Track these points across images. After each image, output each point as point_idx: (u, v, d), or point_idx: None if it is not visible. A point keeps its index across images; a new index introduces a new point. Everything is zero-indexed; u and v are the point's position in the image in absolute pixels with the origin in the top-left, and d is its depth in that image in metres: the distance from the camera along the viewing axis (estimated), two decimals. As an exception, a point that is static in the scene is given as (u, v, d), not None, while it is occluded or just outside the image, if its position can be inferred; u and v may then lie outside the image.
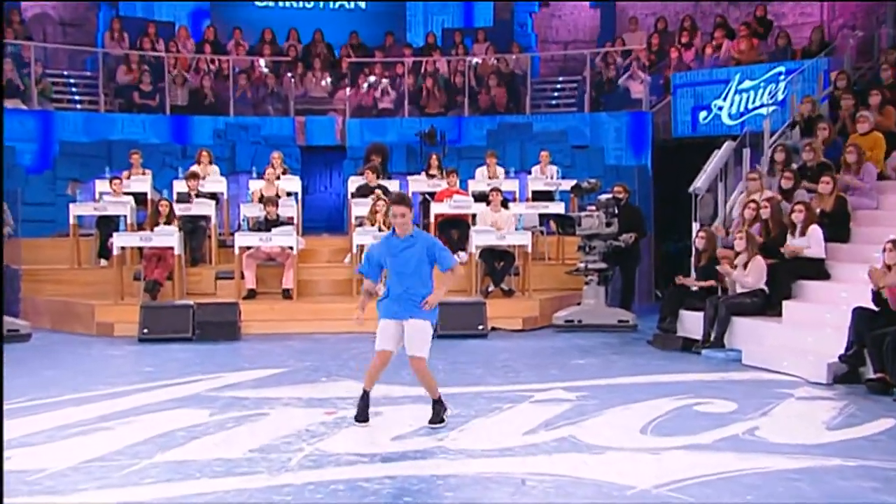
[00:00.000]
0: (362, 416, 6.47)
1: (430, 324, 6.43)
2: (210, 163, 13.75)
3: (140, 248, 11.71)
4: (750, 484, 5.21)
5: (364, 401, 6.51)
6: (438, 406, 6.53)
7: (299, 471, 5.42)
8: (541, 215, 13.13)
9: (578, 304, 11.32)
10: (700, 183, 11.14)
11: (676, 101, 14.97)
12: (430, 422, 6.46)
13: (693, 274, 10.44)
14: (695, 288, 10.12)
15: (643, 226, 12.06)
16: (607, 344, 10.14)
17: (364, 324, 6.44)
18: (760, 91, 13.85)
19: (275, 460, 5.61)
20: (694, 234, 10.65)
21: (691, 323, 9.90)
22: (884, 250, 8.08)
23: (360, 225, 11.98)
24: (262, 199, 12.29)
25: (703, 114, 14.59)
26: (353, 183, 13.36)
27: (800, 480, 5.29)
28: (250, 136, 15.92)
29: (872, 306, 7.93)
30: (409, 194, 13.15)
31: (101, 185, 13.02)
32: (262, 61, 17.25)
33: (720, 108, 14.38)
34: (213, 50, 17.34)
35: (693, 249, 10.60)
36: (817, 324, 8.75)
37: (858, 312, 7.95)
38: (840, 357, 7.94)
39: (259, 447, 5.90)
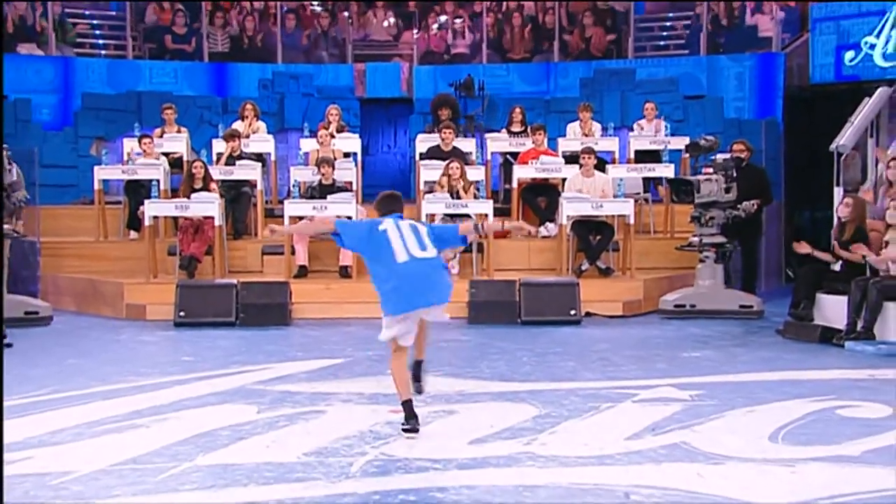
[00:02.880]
0: (413, 425, 6.27)
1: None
2: (255, 118, 13.91)
3: (175, 219, 11.94)
4: (909, 506, 5.08)
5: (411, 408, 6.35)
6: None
7: (362, 478, 5.46)
8: (645, 179, 12.99)
9: (691, 285, 11.21)
10: (844, 139, 10.85)
11: (815, 40, 14.56)
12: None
13: (834, 249, 10.19)
14: (837, 266, 9.88)
15: (768, 191, 11.87)
16: (727, 333, 10.02)
17: None
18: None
19: (333, 465, 5.66)
20: (836, 202, 10.39)
21: (832, 309, 9.69)
22: None
23: (430, 191, 12.01)
24: (315, 161, 12.40)
25: (849, 54, 14.15)
26: (423, 142, 13.38)
27: (971, 501, 5.13)
28: (301, 87, 16.08)
29: None
30: (489, 155, 13.40)
31: (130, 145, 13.31)
32: (314, -1, 17.39)
33: (872, 47, 13.92)
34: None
35: (835, 220, 10.34)
36: None
37: None
38: None
39: (315, 450, 5.95)
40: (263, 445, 6.07)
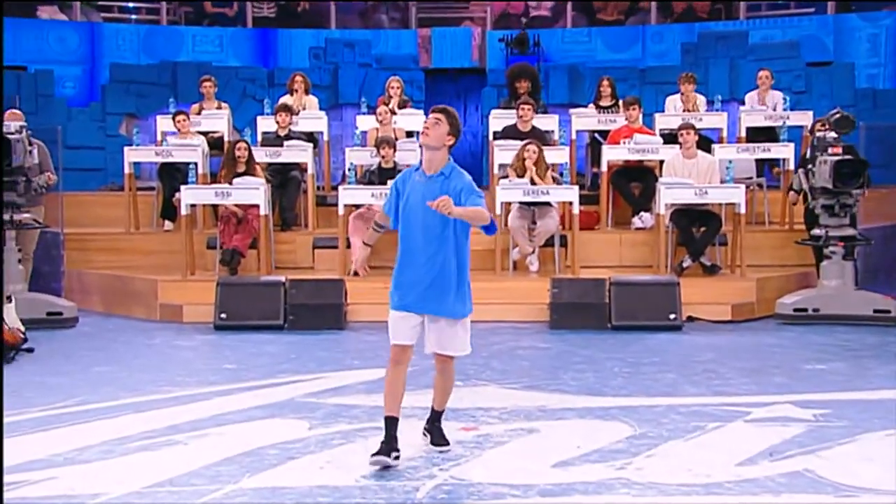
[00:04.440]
0: (385, 450, 6.08)
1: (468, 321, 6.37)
2: (306, 92, 14.04)
3: (215, 207, 12.08)
4: None
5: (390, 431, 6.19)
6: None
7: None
8: (759, 162, 12.86)
9: (814, 286, 11.14)
10: None
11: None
12: (435, 443, 6.46)
13: None
14: None
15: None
16: (858, 342, 9.93)
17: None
18: None
19: (397, 490, 5.70)
20: None
21: None
22: None
23: (505, 176, 12.00)
24: (374, 142, 12.46)
25: None
26: (497, 119, 13.38)
27: None
28: (358, 57, 16.21)
29: None
30: (574, 134, 13.36)
31: (164, 123, 13.50)
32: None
33: None
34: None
35: None
36: None
37: None
38: None
39: (375, 472, 6.00)
40: (317, 466, 6.13)
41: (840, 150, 10.89)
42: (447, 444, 6.42)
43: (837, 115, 11.40)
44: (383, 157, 12.05)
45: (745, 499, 5.62)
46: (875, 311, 10.81)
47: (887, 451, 6.45)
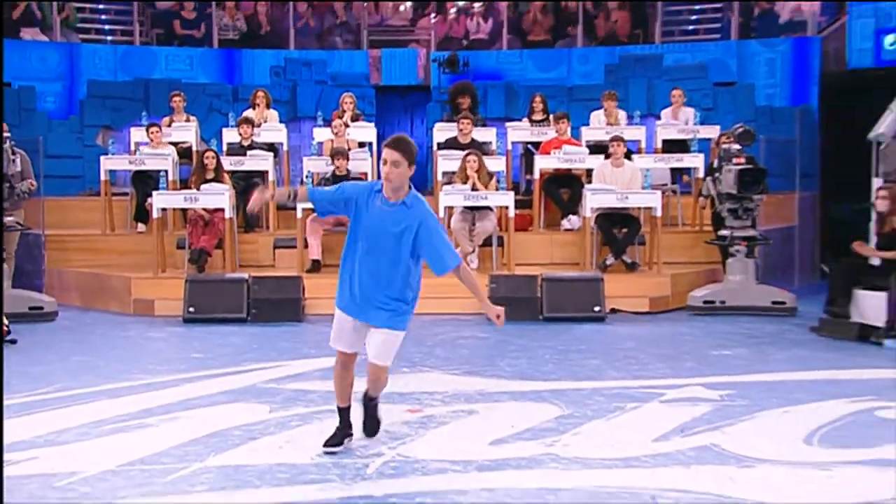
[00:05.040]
0: (336, 440, 5.93)
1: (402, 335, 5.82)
2: (267, 107, 13.96)
3: (184, 211, 11.98)
4: (952, 512, 5.05)
5: (343, 420, 6.01)
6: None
7: (378, 479, 5.47)
8: (673, 170, 12.97)
9: (721, 281, 11.23)
10: (883, 128, 10.78)
11: (853, 23, 14.49)
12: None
13: (873, 243, 10.15)
14: (876, 261, 9.83)
15: None
16: (759, 331, 10.02)
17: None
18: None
19: (348, 467, 5.68)
20: (874, 194, 10.33)
21: (870, 306, 9.62)
22: None
23: (449, 183, 12.01)
24: (329, 152, 12.42)
25: (889, 38, 14.08)
26: (440, 132, 13.38)
27: None
28: (315, 75, 16.12)
29: None
30: (509, 145, 13.39)
31: (138, 134, 13.37)
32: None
33: (913, 31, 13.90)
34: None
35: (873, 213, 10.30)
36: None
37: None
38: None
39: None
40: (276, 446, 6.09)
41: (743, 160, 11.03)
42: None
43: (740, 130, 11.56)
44: (337, 166, 12.03)
45: (659, 471, 5.65)
46: (773, 302, 10.95)
47: (782, 427, 6.54)
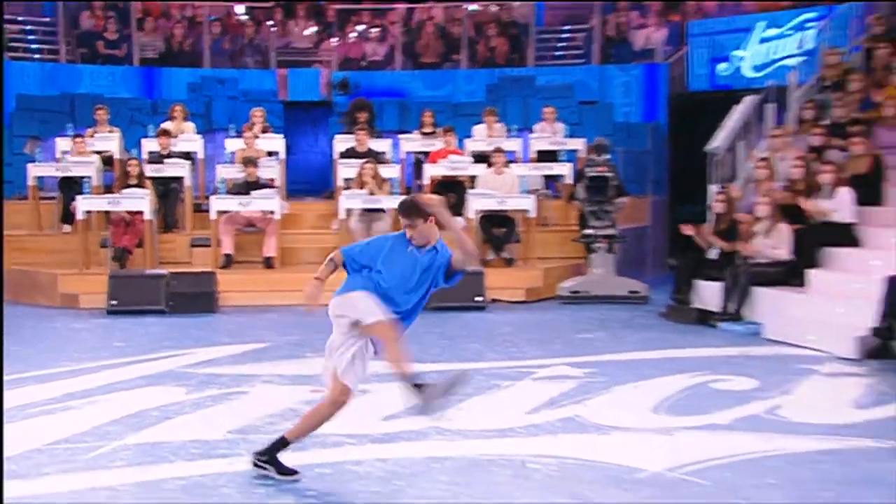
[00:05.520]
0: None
1: None
2: (184, 119, 13.67)
3: (107, 213, 11.67)
4: (771, 467, 5.23)
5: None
6: None
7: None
8: (545, 177, 13.11)
9: (586, 273, 11.36)
10: (718, 142, 11.13)
11: (692, 52, 14.89)
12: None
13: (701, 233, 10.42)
14: (713, 255, 10.11)
15: None
16: (616, 317, 10.17)
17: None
18: (786, 40, 13.76)
19: (256, 442, 5.60)
20: (712, 197, 10.64)
21: (708, 294, 9.92)
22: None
23: (348, 188, 11.95)
24: (241, 160, 12.25)
25: (722, 66, 14.51)
26: (341, 143, 13.29)
27: (825, 462, 5.32)
28: (227, 91, 15.84)
29: (907, 275, 7.95)
30: (402, 154, 13.37)
31: (63, 144, 12.95)
32: (239, 8, 17.11)
33: (741, 60, 14.29)
34: (184, -5, 17.25)
35: (712, 214, 10.58)
36: (846, 294, 8.76)
37: (892, 282, 7.96)
38: (871, 330, 7.97)
39: (239, 428, 5.91)
40: (190, 424, 6.00)
41: (604, 169, 11.21)
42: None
43: (597, 142, 11.81)
44: (248, 172, 11.88)
45: (531, 439, 5.74)
46: (629, 292, 11.12)
47: (634, 399, 6.70)
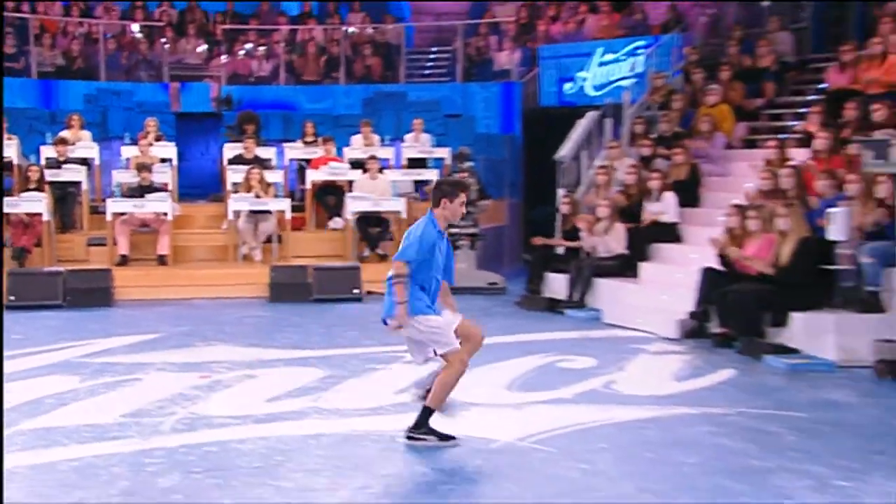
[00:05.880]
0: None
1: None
2: (81, 128, 13.14)
3: (6, 215, 11.09)
4: (604, 434, 5.42)
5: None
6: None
7: (171, 434, 5.31)
8: (415, 181, 13.16)
9: (451, 267, 11.46)
10: (564, 151, 11.39)
11: (543, 73, 15.20)
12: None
13: (559, 237, 10.66)
14: (561, 251, 10.36)
15: None
16: (478, 306, 10.17)
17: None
18: (621, 64, 14.21)
19: (146, 424, 5.47)
20: (559, 200, 10.89)
21: (556, 284, 10.15)
22: (727, 215, 8.48)
23: (236, 192, 11.72)
24: (135, 166, 11.86)
25: (568, 85, 14.87)
26: (230, 150, 13.04)
27: (648, 429, 5.54)
28: (123, 102, 15.26)
29: (719, 267, 8.33)
30: (287, 161, 13.20)
31: (-38, 150, 12.21)
32: (134, 26, 16.52)
33: (584, 80, 14.68)
34: (81, 13, 16.50)
35: (559, 215, 10.84)
36: (670, 283, 9.12)
37: (706, 272, 8.33)
38: (689, 314, 8.32)
39: (131, 412, 5.74)
40: (83, 410, 5.80)
41: (466, 175, 11.32)
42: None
43: (461, 151, 11.94)
44: (142, 178, 11.52)
45: (400, 416, 5.72)
46: (489, 283, 11.22)
47: (490, 378, 6.76)
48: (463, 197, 5.23)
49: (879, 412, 5.95)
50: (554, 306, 9.87)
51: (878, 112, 8.89)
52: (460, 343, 5.17)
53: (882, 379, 6.73)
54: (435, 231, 5.23)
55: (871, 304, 7.39)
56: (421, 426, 5.17)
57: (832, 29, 12.54)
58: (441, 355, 5.16)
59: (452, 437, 5.18)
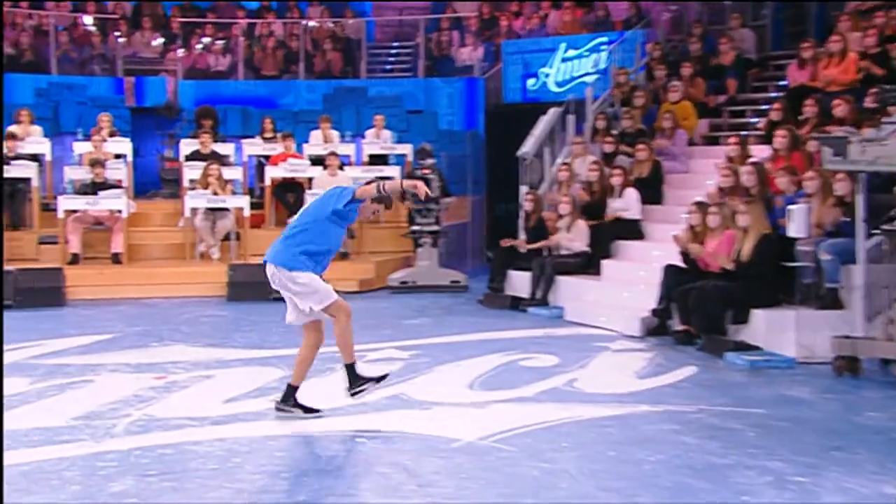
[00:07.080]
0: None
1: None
2: (31, 123, 12.88)
3: (-47, 213, 10.88)
4: (566, 432, 5.45)
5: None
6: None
7: (125, 436, 5.24)
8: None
9: (414, 265, 11.42)
10: (527, 148, 11.42)
11: (507, 69, 15.24)
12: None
13: (522, 235, 10.71)
14: (523, 249, 10.40)
15: None
16: (440, 304, 10.28)
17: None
18: (584, 60, 14.30)
19: (99, 427, 5.39)
20: (522, 197, 10.93)
21: (519, 282, 10.19)
22: (689, 212, 8.57)
23: (193, 188, 11.60)
24: (88, 162, 11.68)
25: (531, 81, 14.93)
26: (186, 146, 12.89)
27: (610, 426, 5.58)
28: (75, 97, 15.00)
29: (681, 264, 8.41)
30: (245, 157, 13.09)
31: None
32: (87, 19, 16.27)
33: (547, 76, 14.76)
34: (30, 4, 16.21)
35: (522, 212, 10.87)
36: (632, 281, 9.21)
37: (668, 269, 8.41)
38: (651, 311, 8.40)
39: (83, 414, 5.65)
40: (33, 413, 5.69)
41: (428, 171, 11.33)
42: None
43: (423, 148, 11.92)
44: (96, 174, 11.35)
45: (360, 416, 5.74)
46: (451, 281, 11.23)
47: (453, 377, 6.81)
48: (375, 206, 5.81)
49: (837, 408, 6.06)
50: (517, 304, 9.92)
51: (839, 108, 9.04)
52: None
53: (840, 375, 6.85)
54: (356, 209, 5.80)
55: (831, 301, 7.52)
56: (356, 383, 5.58)
57: (792, 27, 12.75)
58: (323, 310, 5.62)
59: (318, 410, 5.61)
